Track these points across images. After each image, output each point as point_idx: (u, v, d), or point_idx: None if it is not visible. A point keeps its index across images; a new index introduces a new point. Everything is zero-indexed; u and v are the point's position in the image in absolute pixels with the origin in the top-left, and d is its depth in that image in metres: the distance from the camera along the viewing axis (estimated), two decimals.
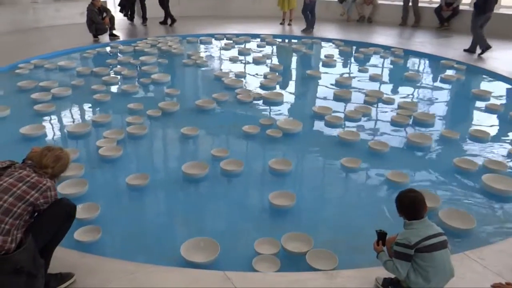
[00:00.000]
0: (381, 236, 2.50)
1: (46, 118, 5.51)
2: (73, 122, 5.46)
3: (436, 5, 11.33)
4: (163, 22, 11.71)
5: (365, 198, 3.86)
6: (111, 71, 7.43)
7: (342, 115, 5.59)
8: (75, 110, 5.92)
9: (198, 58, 8.23)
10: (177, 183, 4.01)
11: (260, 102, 6.14)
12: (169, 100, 6.10)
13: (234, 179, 4.15)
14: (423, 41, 9.89)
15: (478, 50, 8.55)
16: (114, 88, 6.72)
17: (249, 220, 3.52)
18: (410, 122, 5.43)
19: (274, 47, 9.85)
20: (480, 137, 5.03)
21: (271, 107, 6.03)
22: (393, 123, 5.42)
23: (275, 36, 10.38)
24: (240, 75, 7.26)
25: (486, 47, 8.37)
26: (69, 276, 2.55)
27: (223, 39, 10.19)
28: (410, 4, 11.55)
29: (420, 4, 11.70)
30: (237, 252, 3.07)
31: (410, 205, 2.35)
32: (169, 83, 6.96)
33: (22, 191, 2.23)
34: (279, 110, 5.96)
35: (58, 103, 5.89)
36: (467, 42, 8.86)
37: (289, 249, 2.99)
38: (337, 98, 6.32)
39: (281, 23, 12.03)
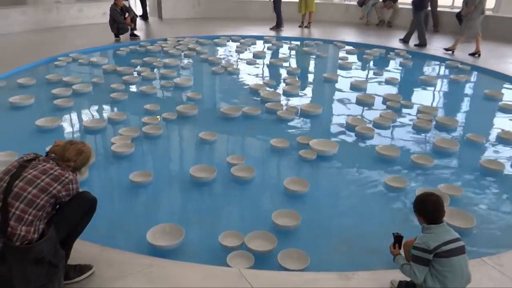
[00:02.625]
0: (398, 239, 2.49)
1: (64, 112, 5.68)
2: (90, 118, 5.57)
3: (457, 10, 11.18)
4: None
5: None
6: (134, 71, 7.44)
7: (371, 123, 5.37)
8: (93, 106, 6.06)
9: (218, 60, 8.22)
10: (182, 185, 3.99)
11: (292, 112, 5.69)
12: (190, 103, 5.93)
13: (243, 186, 4.00)
14: (443, 46, 9.76)
15: (415, 42, 9.66)
16: (141, 88, 6.63)
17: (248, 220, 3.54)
18: (432, 127, 5.36)
19: (291, 50, 9.88)
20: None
21: (304, 119, 5.64)
22: (420, 128, 5.31)
23: (289, 39, 10.42)
24: (267, 84, 6.94)
25: (424, 43, 9.54)
26: (88, 267, 2.60)
27: (239, 40, 10.24)
28: (429, 8, 11.45)
29: (440, 9, 11.58)
30: (203, 240, 3.21)
31: (434, 209, 2.33)
32: (191, 87, 6.77)
33: (45, 183, 2.28)
34: (308, 123, 5.58)
35: (77, 99, 6.08)
36: (488, 47, 8.76)
37: (253, 248, 3.00)
38: (360, 103, 6.22)
39: (299, 26, 12.05)
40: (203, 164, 4.18)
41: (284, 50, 9.76)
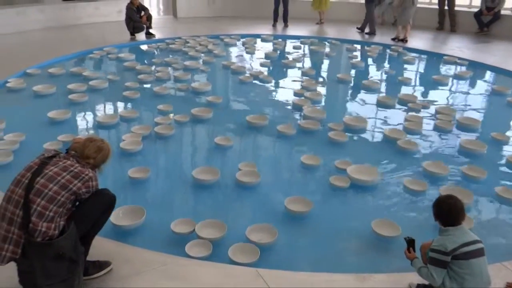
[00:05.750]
0: (410, 243, 2.49)
1: (77, 106, 5.82)
2: (102, 113, 5.68)
3: (476, 10, 11.04)
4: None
5: None
6: (154, 71, 7.37)
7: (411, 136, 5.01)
8: (107, 102, 6.18)
9: (232, 64, 7.88)
10: (183, 185, 3.98)
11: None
12: (208, 107, 5.68)
13: (246, 191, 3.88)
14: (460, 46, 9.64)
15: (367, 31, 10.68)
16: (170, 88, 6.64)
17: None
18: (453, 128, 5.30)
19: (307, 49, 9.82)
20: None
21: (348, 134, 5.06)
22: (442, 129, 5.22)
23: (304, 38, 10.38)
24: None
25: (374, 32, 10.65)
26: (106, 264, 2.64)
27: (254, 38, 10.21)
28: (447, 7, 11.32)
29: (458, 8, 11.42)
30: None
31: (448, 212, 2.33)
32: (209, 92, 6.47)
33: (66, 180, 2.30)
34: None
35: (91, 94, 6.21)
36: (507, 47, 8.64)
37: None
38: (382, 105, 6.09)
39: (317, 23, 12.21)
40: (209, 166, 4.13)
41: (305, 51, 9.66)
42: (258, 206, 3.69)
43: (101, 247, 2.79)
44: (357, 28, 11.11)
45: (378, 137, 5.17)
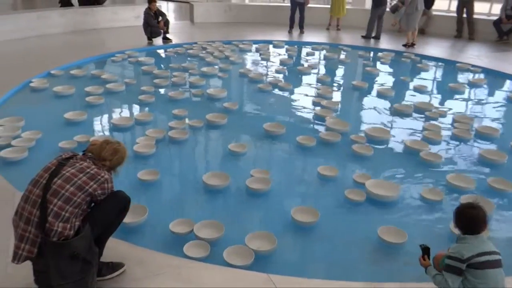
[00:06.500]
0: (425, 250, 2.47)
1: (94, 108, 5.91)
2: (118, 116, 5.77)
3: (495, 18, 10.90)
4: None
5: None
6: (171, 77, 7.35)
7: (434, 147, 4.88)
8: (122, 105, 6.28)
9: (249, 72, 7.78)
10: (193, 189, 3.97)
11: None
12: (223, 113, 5.65)
13: (256, 198, 3.85)
14: (478, 54, 9.53)
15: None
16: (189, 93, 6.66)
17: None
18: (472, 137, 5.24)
19: (322, 55, 9.81)
20: None
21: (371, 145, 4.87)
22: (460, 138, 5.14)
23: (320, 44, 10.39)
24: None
25: (375, 37, 11.05)
26: (120, 265, 2.66)
27: (268, 45, 10.25)
28: (465, 15, 11.21)
29: (477, 16, 11.29)
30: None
31: (469, 221, 2.29)
32: (225, 98, 6.43)
33: (82, 181, 2.33)
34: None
35: (108, 97, 6.31)
36: None
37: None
38: (397, 113, 6.01)
39: (327, 28, 12.38)
40: (220, 171, 4.11)
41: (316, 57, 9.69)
42: (266, 213, 3.67)
43: (114, 248, 2.81)
44: (362, 36, 11.23)
45: (399, 148, 4.99)
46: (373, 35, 11.15)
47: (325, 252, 3.18)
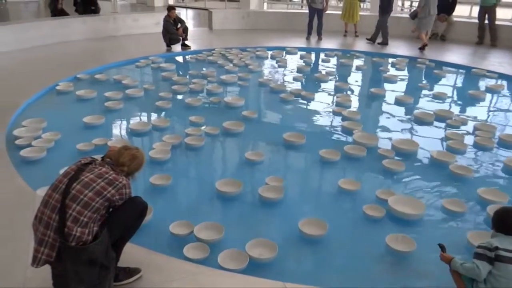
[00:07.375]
0: (443, 248, 2.60)
1: (112, 113, 6.02)
2: (135, 121, 5.84)
3: None
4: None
5: None
6: (190, 83, 7.33)
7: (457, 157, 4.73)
8: (141, 111, 6.36)
9: (269, 82, 7.59)
10: (206, 195, 3.98)
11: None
12: (241, 121, 5.58)
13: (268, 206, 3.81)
14: (501, 61, 9.33)
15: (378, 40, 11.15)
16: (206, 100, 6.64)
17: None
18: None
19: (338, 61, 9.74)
20: None
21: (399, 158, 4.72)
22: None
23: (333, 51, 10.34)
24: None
25: (386, 42, 11.07)
26: (136, 271, 2.67)
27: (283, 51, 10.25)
28: (487, 22, 11.01)
29: (499, 23, 11.08)
30: None
31: (503, 219, 2.44)
32: (243, 107, 6.37)
33: (100, 187, 2.35)
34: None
35: (126, 102, 6.40)
36: None
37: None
38: (418, 121, 5.90)
39: (344, 35, 12.29)
40: (233, 179, 4.08)
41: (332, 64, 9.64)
42: (277, 222, 3.65)
43: (131, 254, 2.82)
44: (367, 39, 11.37)
45: (426, 160, 4.77)
46: (378, 41, 11.22)
47: (334, 263, 3.16)
